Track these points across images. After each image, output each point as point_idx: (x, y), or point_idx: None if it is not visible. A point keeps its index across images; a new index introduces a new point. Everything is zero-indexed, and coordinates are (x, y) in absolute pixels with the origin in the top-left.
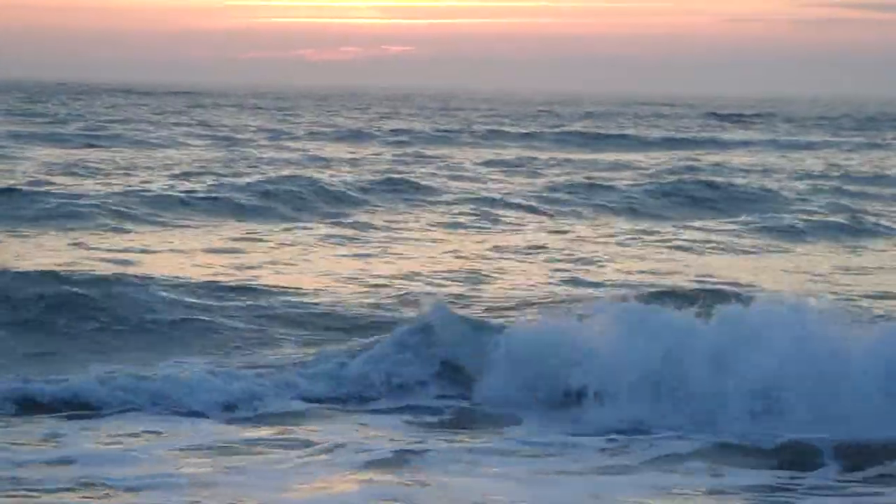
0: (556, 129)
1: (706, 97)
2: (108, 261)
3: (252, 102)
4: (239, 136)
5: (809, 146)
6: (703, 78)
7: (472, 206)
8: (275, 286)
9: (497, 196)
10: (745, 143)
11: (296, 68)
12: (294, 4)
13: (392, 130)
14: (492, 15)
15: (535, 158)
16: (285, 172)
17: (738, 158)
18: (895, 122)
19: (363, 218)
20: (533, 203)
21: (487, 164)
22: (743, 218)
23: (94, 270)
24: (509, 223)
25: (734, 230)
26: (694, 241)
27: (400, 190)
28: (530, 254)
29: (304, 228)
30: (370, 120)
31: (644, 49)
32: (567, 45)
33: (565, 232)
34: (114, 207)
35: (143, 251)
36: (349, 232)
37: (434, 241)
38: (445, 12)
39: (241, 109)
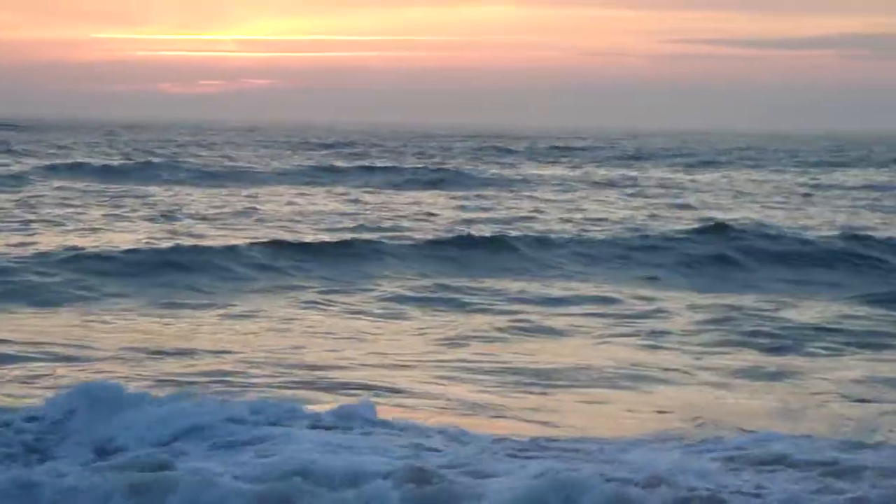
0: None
1: (555, 129)
2: None
3: None
4: None
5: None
6: (555, 110)
7: None
8: None
9: None
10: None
11: (157, 101)
12: (156, 38)
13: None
14: (352, 48)
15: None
16: None
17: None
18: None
19: None
20: None
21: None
22: None
23: None
24: None
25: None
26: None
27: None
28: None
29: None
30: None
31: (498, 82)
32: (424, 79)
33: None
34: None
35: None
36: None
37: None
38: (306, 46)
39: None
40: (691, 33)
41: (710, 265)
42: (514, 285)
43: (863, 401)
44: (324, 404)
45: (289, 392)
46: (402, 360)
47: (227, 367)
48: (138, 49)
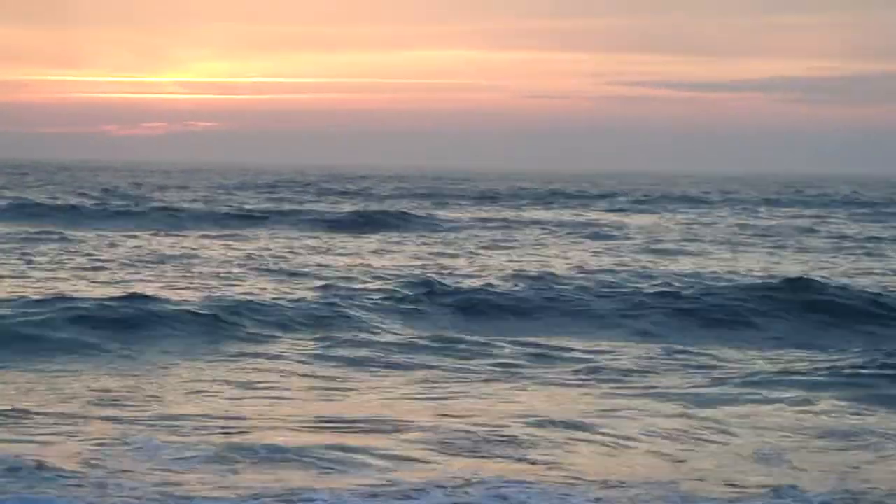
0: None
1: (502, 171)
2: None
3: None
4: None
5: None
6: (502, 152)
7: None
8: None
9: None
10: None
11: (99, 143)
12: (97, 80)
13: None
14: (297, 90)
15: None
16: None
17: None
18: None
19: None
20: None
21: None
22: None
23: None
24: None
25: None
26: None
27: None
28: None
29: None
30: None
31: (442, 124)
32: (369, 120)
33: None
34: None
35: None
36: None
37: None
38: (250, 88)
39: None
40: (632, 76)
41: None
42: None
43: None
44: None
45: None
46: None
47: None
48: (79, 91)
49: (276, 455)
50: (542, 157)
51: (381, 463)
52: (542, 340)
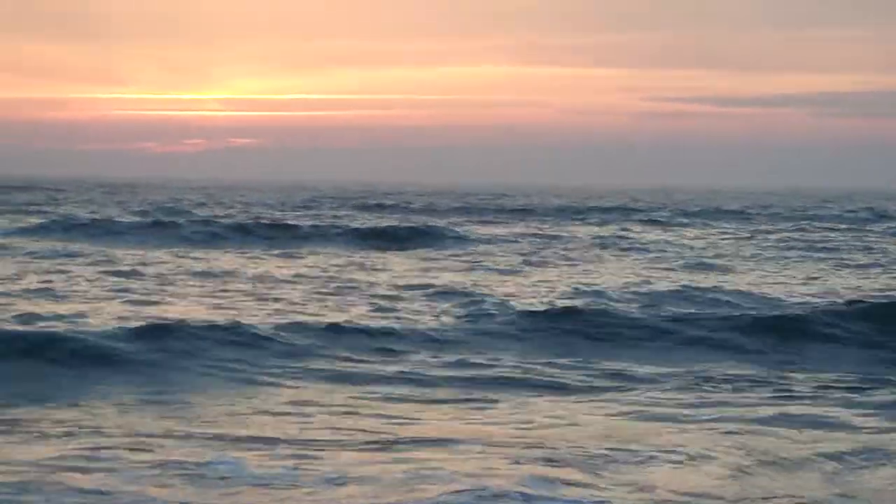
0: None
1: (539, 185)
2: None
3: None
4: None
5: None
6: (537, 168)
7: None
8: None
9: None
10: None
11: (139, 161)
12: (137, 97)
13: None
14: (337, 107)
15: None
16: None
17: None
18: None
19: None
20: None
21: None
22: None
23: None
24: None
25: None
26: None
27: None
28: None
29: None
30: None
31: (483, 140)
32: (407, 136)
33: None
34: None
35: None
36: None
37: None
38: (290, 105)
39: None
40: (669, 91)
41: None
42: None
43: None
44: None
45: None
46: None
47: None
48: (119, 108)
49: None
50: (578, 171)
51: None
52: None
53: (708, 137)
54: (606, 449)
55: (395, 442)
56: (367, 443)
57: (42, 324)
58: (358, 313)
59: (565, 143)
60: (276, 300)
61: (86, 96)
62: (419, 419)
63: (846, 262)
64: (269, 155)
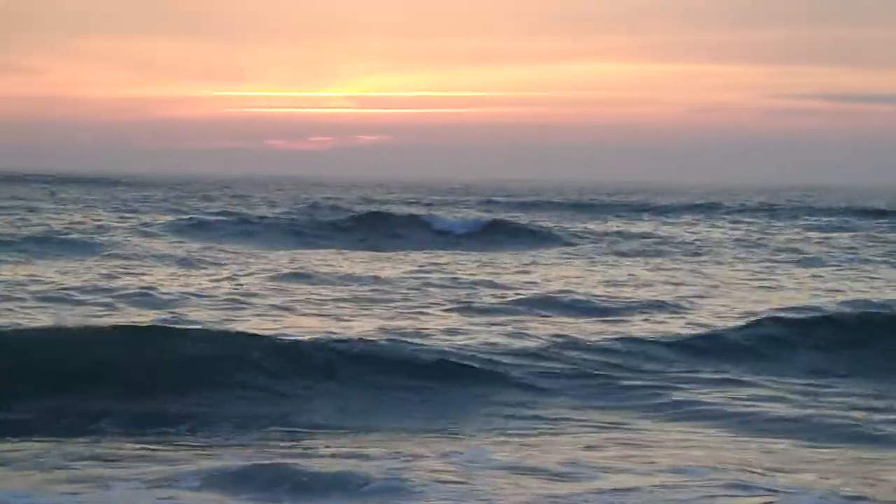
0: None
1: (673, 184)
2: None
3: None
4: None
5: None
6: (665, 165)
7: None
8: None
9: None
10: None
11: (264, 158)
12: (265, 95)
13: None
14: (462, 104)
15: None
16: None
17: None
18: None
19: None
20: None
21: None
22: None
23: None
24: None
25: None
26: None
27: None
28: None
29: None
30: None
31: (602, 137)
32: (531, 134)
33: None
34: None
35: None
36: None
37: None
38: (416, 102)
39: None
40: (791, 88)
41: None
42: None
43: None
44: None
45: None
46: None
47: None
48: (244, 106)
49: None
50: (702, 168)
51: None
52: None
53: (833, 134)
54: None
55: None
56: None
57: None
58: None
59: (687, 141)
60: None
61: (209, 94)
62: None
63: None
64: (398, 152)
